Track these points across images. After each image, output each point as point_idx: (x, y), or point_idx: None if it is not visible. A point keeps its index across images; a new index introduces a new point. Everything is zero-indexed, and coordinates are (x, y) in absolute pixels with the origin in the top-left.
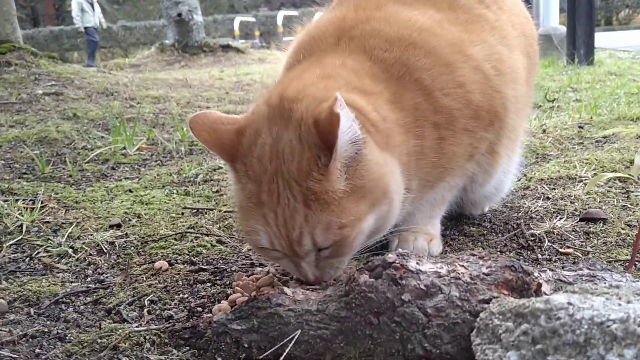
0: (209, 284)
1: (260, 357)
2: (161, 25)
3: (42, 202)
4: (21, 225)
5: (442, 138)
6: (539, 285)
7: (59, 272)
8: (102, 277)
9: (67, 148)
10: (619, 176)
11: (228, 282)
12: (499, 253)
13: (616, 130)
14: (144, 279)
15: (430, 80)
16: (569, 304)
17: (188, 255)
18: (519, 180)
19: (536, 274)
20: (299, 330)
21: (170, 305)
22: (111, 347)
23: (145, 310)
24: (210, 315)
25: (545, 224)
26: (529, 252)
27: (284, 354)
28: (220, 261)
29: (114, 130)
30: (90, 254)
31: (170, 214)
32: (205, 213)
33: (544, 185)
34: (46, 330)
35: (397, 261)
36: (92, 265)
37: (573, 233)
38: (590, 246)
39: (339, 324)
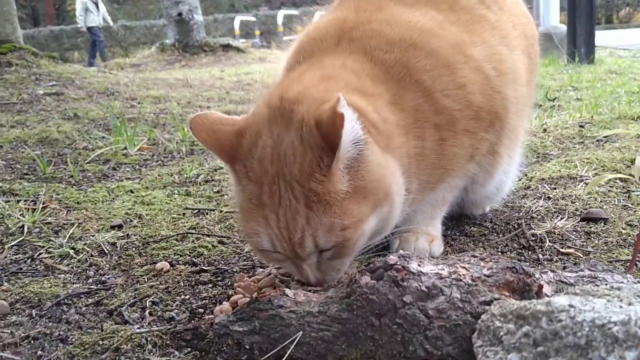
0: (210, 285)
1: (262, 358)
2: (161, 24)
3: (43, 203)
4: (22, 226)
5: (442, 139)
6: (540, 286)
7: (60, 273)
8: (103, 278)
9: (68, 148)
10: (620, 177)
11: (229, 283)
12: (500, 254)
13: (617, 131)
14: (146, 280)
15: (431, 82)
16: (570, 306)
17: (189, 256)
18: (520, 179)
19: (537, 275)
20: (301, 332)
21: (171, 306)
22: (113, 349)
23: (147, 311)
24: (212, 316)
25: (546, 224)
26: (530, 252)
27: (286, 355)
28: (222, 262)
29: (115, 130)
30: (92, 255)
31: (171, 214)
32: (207, 213)
33: (545, 185)
34: (48, 332)
35: (398, 263)
36: (93, 267)
37: (574, 233)
38: (591, 246)
39: (341, 325)
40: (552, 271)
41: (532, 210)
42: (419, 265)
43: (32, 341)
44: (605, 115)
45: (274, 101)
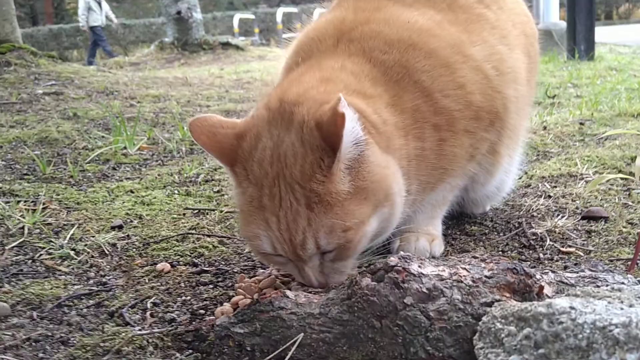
0: (211, 286)
1: None
2: (160, 23)
3: (43, 204)
4: (23, 227)
5: (442, 139)
6: (541, 287)
7: (61, 275)
8: (104, 280)
9: (67, 148)
10: (622, 176)
11: (230, 284)
12: (501, 253)
13: (619, 131)
14: (146, 281)
15: (430, 82)
16: (571, 308)
17: (190, 256)
18: (520, 178)
19: (538, 276)
20: (302, 334)
21: (172, 307)
22: (114, 351)
23: (148, 313)
24: (213, 317)
25: (547, 223)
26: (530, 252)
27: (287, 357)
28: (222, 262)
29: (114, 130)
30: (92, 256)
31: (171, 214)
32: (207, 213)
33: (545, 183)
34: (49, 334)
35: (399, 264)
36: (94, 268)
37: (575, 232)
38: (592, 245)
39: (342, 327)
40: (553, 272)
41: (532, 209)
42: (419, 266)
43: (34, 343)
44: (606, 113)
45: (273, 103)
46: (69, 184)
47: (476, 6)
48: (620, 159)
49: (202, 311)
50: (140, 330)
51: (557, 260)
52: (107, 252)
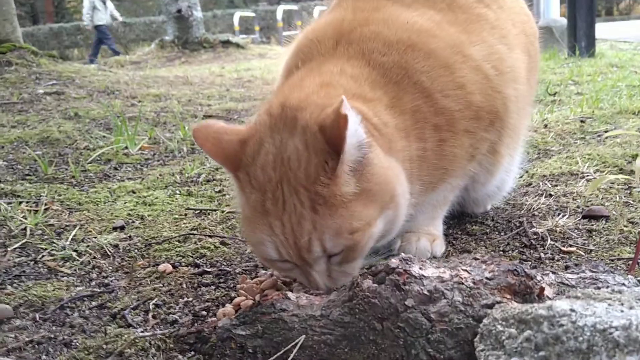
0: (213, 287)
1: None
2: (161, 21)
3: (45, 204)
4: (25, 229)
5: (442, 140)
6: (542, 289)
7: (63, 276)
8: (106, 281)
9: (69, 148)
10: (622, 177)
11: (232, 285)
12: (502, 252)
13: (619, 132)
14: (148, 282)
15: (429, 83)
16: (572, 310)
17: (192, 257)
18: (521, 176)
19: (539, 278)
20: (303, 336)
21: (174, 309)
22: (117, 353)
23: (150, 314)
24: (215, 319)
25: (548, 222)
26: (531, 251)
27: (289, 359)
28: (224, 263)
29: (115, 129)
30: (95, 257)
31: (173, 215)
32: (208, 214)
33: (546, 182)
34: (52, 336)
35: (400, 266)
36: (96, 269)
37: (576, 231)
38: (593, 244)
39: (343, 329)
40: (554, 273)
41: (533, 208)
42: (420, 268)
43: (36, 345)
44: (606, 110)
45: (275, 109)
46: (70, 185)
47: (476, 6)
48: (621, 156)
49: (204, 312)
50: (142, 332)
51: (558, 260)
52: (109, 253)
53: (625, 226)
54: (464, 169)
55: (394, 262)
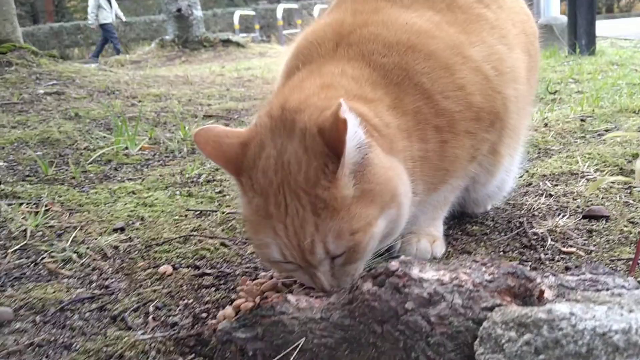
0: (213, 289)
1: None
2: (161, 20)
3: (45, 206)
4: (25, 230)
5: (444, 141)
6: (542, 291)
7: (63, 278)
8: (106, 283)
9: (69, 149)
10: (622, 179)
11: (232, 287)
12: (502, 253)
13: (619, 134)
14: (149, 284)
15: (430, 84)
16: (571, 314)
17: (192, 259)
18: (521, 176)
19: (538, 280)
20: (303, 339)
21: (175, 311)
22: (117, 356)
23: (150, 316)
24: (215, 321)
25: (548, 222)
26: (531, 252)
27: None
28: (224, 265)
29: (116, 130)
30: (95, 259)
31: (173, 216)
32: (209, 215)
33: (546, 182)
34: (52, 339)
35: (399, 269)
36: (96, 271)
37: (576, 231)
38: (593, 245)
39: (343, 332)
40: (554, 275)
41: (533, 208)
42: (420, 271)
43: (37, 348)
44: (607, 109)
45: (275, 111)
46: (71, 185)
47: (475, 6)
48: (622, 156)
49: (204, 315)
50: (142, 334)
51: (558, 261)
52: (109, 254)
53: (625, 226)
54: (465, 170)
55: (393, 264)
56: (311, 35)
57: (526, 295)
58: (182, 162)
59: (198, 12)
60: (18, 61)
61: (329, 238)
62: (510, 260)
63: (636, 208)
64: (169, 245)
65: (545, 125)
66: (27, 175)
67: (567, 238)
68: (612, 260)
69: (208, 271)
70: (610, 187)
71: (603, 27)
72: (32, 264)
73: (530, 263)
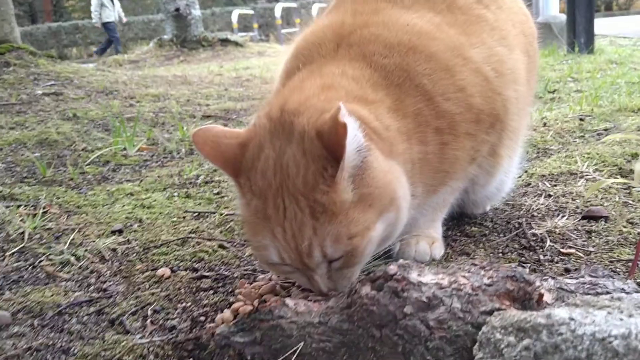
0: (211, 292)
1: None
2: (159, 19)
3: (43, 208)
4: (23, 233)
5: (444, 143)
6: (541, 295)
7: (61, 281)
8: (104, 286)
9: (67, 150)
10: (622, 182)
11: (230, 290)
12: (501, 254)
13: (618, 136)
14: (147, 287)
15: (431, 85)
16: (571, 319)
17: (190, 261)
18: (520, 176)
19: (538, 284)
20: (302, 343)
21: (173, 314)
22: None
23: (148, 320)
24: (213, 325)
25: (547, 223)
26: (530, 253)
27: None
28: (222, 267)
29: (114, 130)
30: (93, 262)
31: (171, 218)
32: (207, 216)
33: (545, 182)
34: (50, 343)
35: (398, 273)
36: (94, 273)
37: (575, 232)
38: (592, 246)
39: (342, 336)
40: (553, 278)
41: (532, 209)
42: (419, 275)
43: (35, 353)
44: (606, 108)
45: (274, 112)
46: (69, 187)
47: (475, 7)
48: (621, 155)
49: (202, 318)
50: (141, 338)
51: (557, 262)
52: (107, 257)
53: (624, 227)
54: (465, 172)
55: (392, 268)
56: (311, 35)
57: (525, 299)
58: (180, 163)
59: (196, 12)
60: (16, 62)
61: (327, 242)
62: (510, 262)
63: (635, 208)
64: (167, 247)
65: (544, 124)
66: (25, 177)
67: (566, 239)
68: (612, 262)
69: (206, 274)
70: (610, 187)
71: (602, 25)
72: (30, 267)
73: (529, 264)
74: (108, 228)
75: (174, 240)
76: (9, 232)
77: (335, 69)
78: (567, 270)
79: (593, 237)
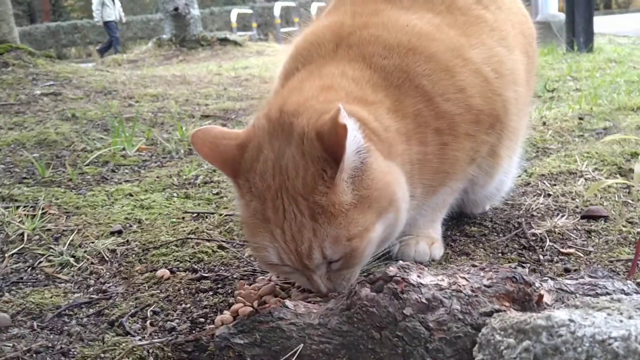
0: (210, 293)
1: None
2: (158, 19)
3: (42, 209)
4: (22, 234)
5: (444, 144)
6: (541, 296)
7: (61, 283)
8: (104, 287)
9: (66, 150)
10: (621, 182)
11: (230, 291)
12: (501, 254)
13: (618, 137)
14: (146, 288)
15: (430, 86)
16: (571, 320)
17: (189, 262)
18: (520, 176)
19: (537, 285)
20: (302, 345)
21: (172, 316)
22: None
23: (148, 322)
24: (213, 326)
25: (547, 223)
26: (530, 253)
27: None
28: (222, 268)
29: (113, 131)
30: (92, 263)
31: (170, 218)
32: (206, 217)
33: (545, 182)
34: (50, 344)
35: (398, 274)
36: (94, 275)
37: (574, 232)
38: (592, 245)
39: (341, 338)
40: (552, 279)
41: (532, 208)
42: (418, 276)
43: (34, 355)
44: (605, 107)
45: (273, 113)
46: (68, 188)
47: (474, 7)
48: (620, 154)
49: (202, 319)
50: (140, 340)
51: (557, 262)
52: (106, 258)
53: (623, 226)
54: (464, 172)
55: (391, 270)
56: (310, 36)
57: (525, 300)
58: (179, 163)
59: (195, 11)
60: (15, 62)
61: (326, 243)
62: (509, 262)
63: (635, 207)
64: (167, 248)
65: (544, 123)
66: (24, 178)
67: (566, 239)
68: (611, 261)
69: (206, 275)
70: (609, 187)
71: (601, 23)
72: (30, 268)
73: (529, 264)
74: (107, 229)
75: (173, 241)
76: (8, 233)
77: (334, 69)
78: (567, 270)
79: (593, 237)
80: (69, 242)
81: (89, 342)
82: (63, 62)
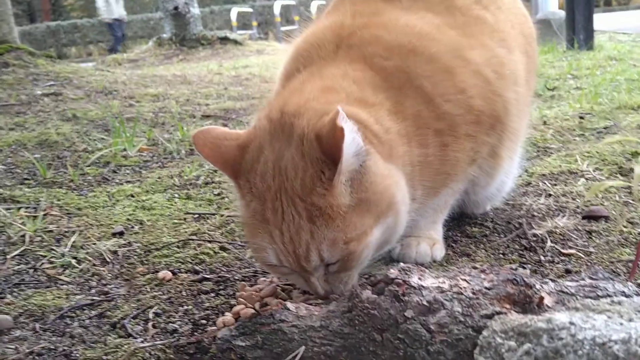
0: (212, 294)
1: None
2: (158, 18)
3: (44, 210)
4: (24, 235)
5: (444, 145)
6: (541, 298)
7: (63, 284)
8: (106, 289)
9: (67, 151)
10: (621, 184)
11: (232, 292)
12: (501, 255)
13: (618, 138)
14: (148, 289)
15: (431, 87)
16: (571, 323)
17: (191, 263)
18: (520, 176)
19: (538, 286)
20: (303, 347)
21: (174, 317)
22: None
23: (150, 323)
24: (215, 328)
25: (547, 223)
26: (531, 254)
27: None
28: (224, 269)
29: (114, 131)
30: (94, 264)
31: (172, 219)
32: (207, 218)
33: (546, 182)
34: (52, 347)
35: (399, 277)
36: (95, 276)
37: (575, 232)
38: (593, 246)
39: (343, 340)
40: (553, 281)
41: (532, 209)
42: (419, 278)
43: (37, 357)
44: (605, 105)
45: (274, 114)
46: (69, 189)
47: (474, 7)
48: (621, 154)
49: (203, 321)
50: (142, 342)
51: (558, 263)
52: (108, 260)
53: (624, 226)
54: (465, 173)
55: (393, 272)
56: (310, 37)
57: (526, 302)
58: (180, 163)
59: (195, 10)
60: (15, 62)
61: (324, 246)
62: (510, 263)
63: (636, 208)
64: (168, 249)
65: (544, 123)
66: (26, 179)
67: (567, 239)
68: (612, 262)
69: (207, 276)
70: (610, 187)
71: (601, 20)
72: (32, 270)
73: (530, 265)
74: (109, 230)
75: (174, 242)
76: (9, 234)
77: (335, 70)
78: (567, 271)
79: (594, 237)
80: (70, 243)
81: (91, 344)
82: (63, 62)
